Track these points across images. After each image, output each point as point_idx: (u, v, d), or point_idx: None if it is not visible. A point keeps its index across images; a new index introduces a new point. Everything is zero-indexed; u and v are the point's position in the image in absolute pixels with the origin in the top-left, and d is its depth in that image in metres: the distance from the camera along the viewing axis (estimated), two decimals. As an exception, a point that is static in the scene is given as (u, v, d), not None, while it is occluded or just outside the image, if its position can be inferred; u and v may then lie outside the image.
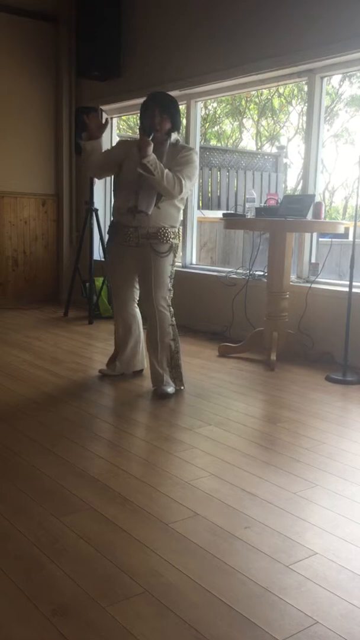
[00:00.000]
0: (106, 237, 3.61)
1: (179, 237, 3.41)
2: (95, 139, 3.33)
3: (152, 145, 3.09)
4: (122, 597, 1.61)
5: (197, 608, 1.58)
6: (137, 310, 3.61)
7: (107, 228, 3.60)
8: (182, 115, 3.57)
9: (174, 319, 3.42)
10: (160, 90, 3.67)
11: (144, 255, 3.33)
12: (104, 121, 3.35)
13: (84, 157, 3.44)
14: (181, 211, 3.41)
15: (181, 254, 5.42)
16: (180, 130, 3.47)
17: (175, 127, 3.34)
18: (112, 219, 3.51)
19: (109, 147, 3.70)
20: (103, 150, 3.42)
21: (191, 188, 3.34)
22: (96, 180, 5.72)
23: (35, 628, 1.49)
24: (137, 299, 3.58)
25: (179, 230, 3.41)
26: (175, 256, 3.40)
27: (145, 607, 1.57)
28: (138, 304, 3.60)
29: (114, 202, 3.45)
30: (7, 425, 2.88)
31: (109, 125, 3.27)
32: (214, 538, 1.92)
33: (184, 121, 5.33)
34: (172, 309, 3.42)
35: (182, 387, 3.48)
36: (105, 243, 3.64)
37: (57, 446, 2.62)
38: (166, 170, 3.15)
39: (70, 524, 1.97)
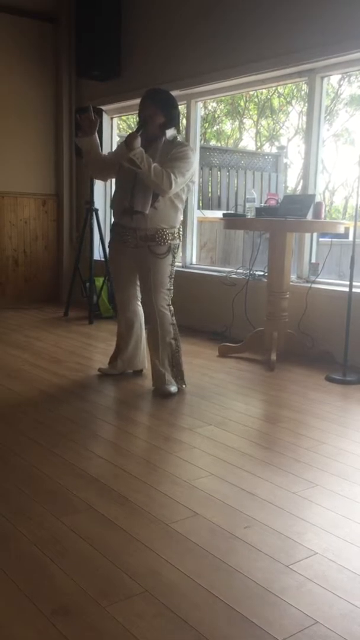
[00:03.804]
0: (107, 237, 3.62)
1: (179, 237, 3.40)
2: (88, 136, 3.36)
3: (138, 139, 3.09)
4: (122, 597, 1.61)
5: (197, 608, 1.58)
6: (140, 308, 3.61)
7: (107, 228, 3.62)
8: (182, 115, 3.54)
9: (174, 317, 3.43)
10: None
11: (143, 256, 3.33)
12: (94, 118, 3.38)
13: (84, 156, 3.47)
14: (180, 211, 3.39)
15: (181, 254, 5.42)
16: (180, 130, 3.44)
17: (170, 122, 3.30)
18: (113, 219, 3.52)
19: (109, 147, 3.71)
20: (106, 152, 3.44)
21: (185, 184, 3.26)
22: (96, 180, 5.72)
23: (35, 628, 1.49)
24: (140, 296, 3.57)
25: (179, 230, 3.40)
26: (175, 257, 3.39)
27: (146, 607, 1.57)
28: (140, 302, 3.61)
29: (113, 203, 3.47)
30: (7, 425, 2.89)
31: (99, 122, 3.33)
32: (213, 538, 1.92)
33: (184, 121, 5.32)
34: (172, 308, 3.42)
35: (184, 386, 3.48)
36: (108, 242, 3.65)
37: (57, 446, 2.62)
38: (154, 164, 3.12)
39: (71, 524, 1.97)
